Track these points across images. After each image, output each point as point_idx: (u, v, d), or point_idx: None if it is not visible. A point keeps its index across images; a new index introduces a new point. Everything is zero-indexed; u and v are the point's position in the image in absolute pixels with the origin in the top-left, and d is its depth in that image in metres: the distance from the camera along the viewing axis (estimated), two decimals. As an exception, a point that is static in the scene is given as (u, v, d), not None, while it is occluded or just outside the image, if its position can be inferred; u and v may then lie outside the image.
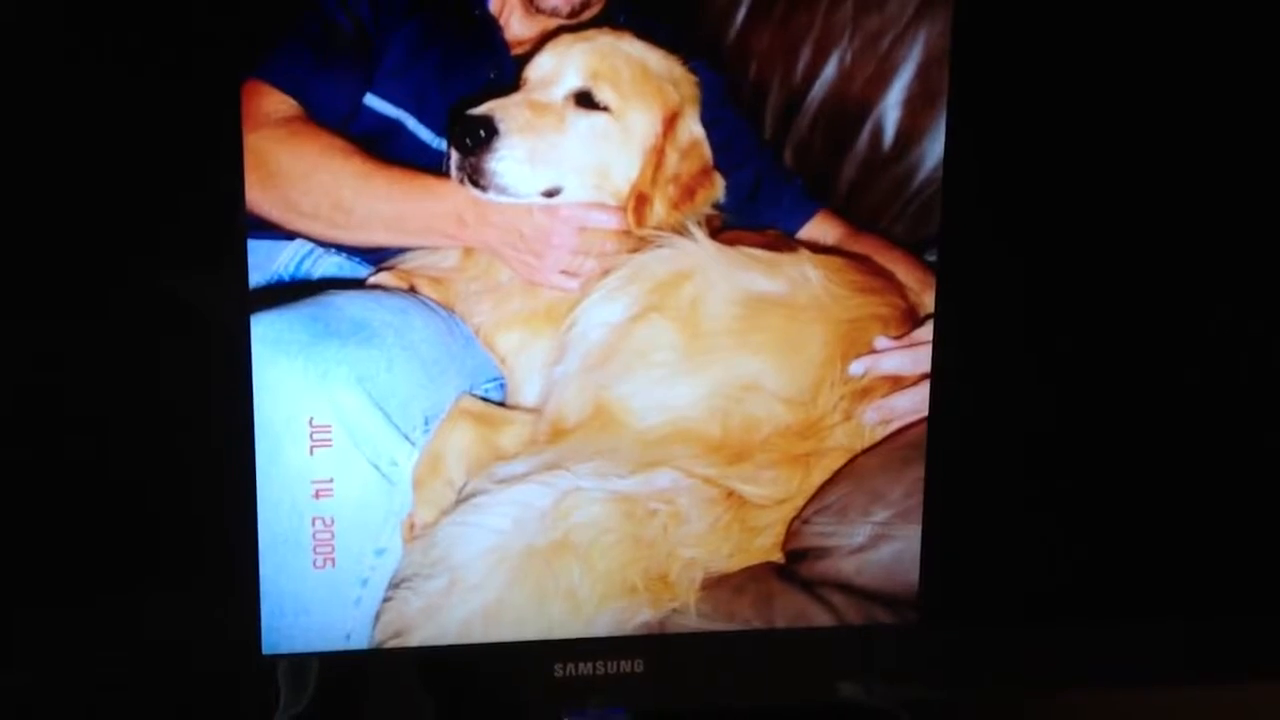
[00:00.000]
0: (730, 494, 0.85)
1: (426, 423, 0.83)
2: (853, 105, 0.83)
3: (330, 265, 0.82)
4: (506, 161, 0.81)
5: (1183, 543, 0.90)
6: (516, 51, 0.83)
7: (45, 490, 0.79)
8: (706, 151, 0.84)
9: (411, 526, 0.84)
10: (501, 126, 0.81)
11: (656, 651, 0.85)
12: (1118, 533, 0.89)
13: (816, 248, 0.85)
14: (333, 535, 0.82)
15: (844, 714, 0.98)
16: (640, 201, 0.83)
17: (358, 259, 0.83)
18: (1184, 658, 0.92)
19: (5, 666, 0.80)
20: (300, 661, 0.83)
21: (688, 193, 0.84)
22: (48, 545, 0.79)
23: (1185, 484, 0.89)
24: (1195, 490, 0.89)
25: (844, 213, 0.85)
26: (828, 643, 0.87)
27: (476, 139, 0.80)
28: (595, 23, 0.83)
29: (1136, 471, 0.89)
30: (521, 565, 0.84)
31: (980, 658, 0.90)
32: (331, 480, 0.81)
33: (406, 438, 0.83)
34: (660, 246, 0.84)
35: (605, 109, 0.83)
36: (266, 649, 0.82)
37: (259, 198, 0.78)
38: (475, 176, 0.81)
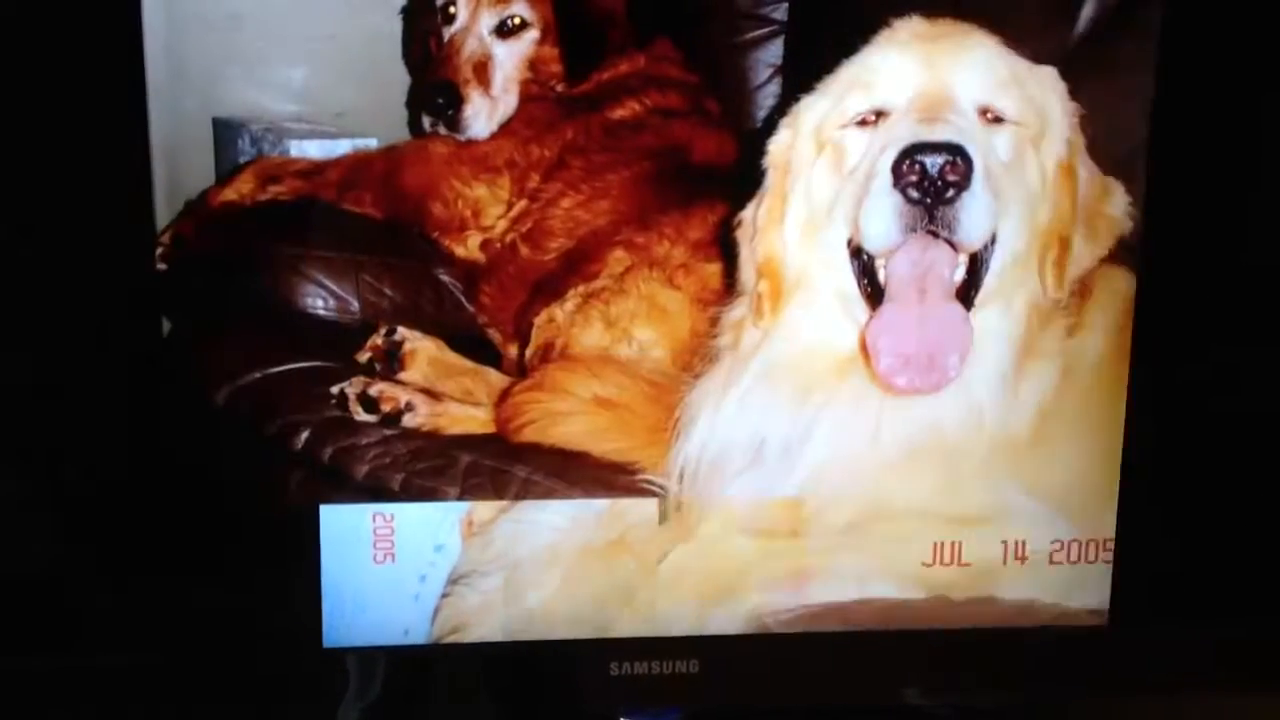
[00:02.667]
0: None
1: (486, 419, 0.84)
2: None
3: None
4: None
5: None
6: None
7: (122, 485, 0.80)
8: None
9: (470, 524, 0.84)
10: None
11: (711, 652, 0.86)
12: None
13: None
14: (393, 531, 0.83)
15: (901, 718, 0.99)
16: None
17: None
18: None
19: (82, 650, 0.81)
20: (363, 656, 0.84)
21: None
22: (120, 538, 0.80)
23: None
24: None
25: None
26: (887, 645, 0.87)
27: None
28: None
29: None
30: (578, 564, 0.85)
31: (1036, 662, 0.90)
32: (393, 476, 0.83)
33: (466, 434, 0.83)
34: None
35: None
36: (327, 643, 0.83)
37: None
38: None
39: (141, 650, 0.82)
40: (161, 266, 0.81)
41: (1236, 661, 0.91)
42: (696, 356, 0.86)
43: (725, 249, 0.86)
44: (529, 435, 0.85)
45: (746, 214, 0.84)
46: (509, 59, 0.86)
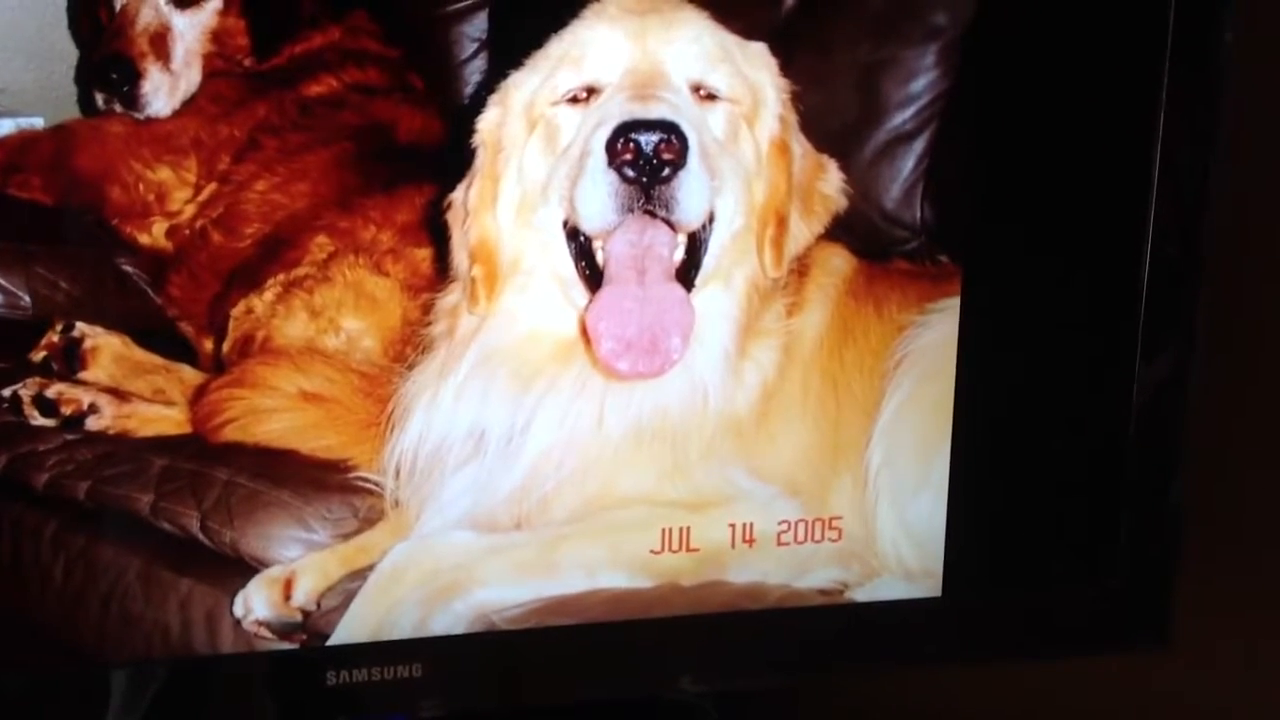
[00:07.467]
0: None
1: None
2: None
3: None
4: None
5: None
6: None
7: None
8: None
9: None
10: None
11: (436, 654, 0.82)
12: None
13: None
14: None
15: (647, 708, 0.97)
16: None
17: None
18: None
19: None
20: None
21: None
22: None
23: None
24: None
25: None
26: (621, 637, 0.85)
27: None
28: None
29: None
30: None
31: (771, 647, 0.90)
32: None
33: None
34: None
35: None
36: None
37: None
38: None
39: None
40: None
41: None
42: (409, 346, 0.82)
43: (436, 232, 0.82)
44: (230, 434, 0.79)
45: (457, 195, 0.81)
46: (190, 30, 0.80)
